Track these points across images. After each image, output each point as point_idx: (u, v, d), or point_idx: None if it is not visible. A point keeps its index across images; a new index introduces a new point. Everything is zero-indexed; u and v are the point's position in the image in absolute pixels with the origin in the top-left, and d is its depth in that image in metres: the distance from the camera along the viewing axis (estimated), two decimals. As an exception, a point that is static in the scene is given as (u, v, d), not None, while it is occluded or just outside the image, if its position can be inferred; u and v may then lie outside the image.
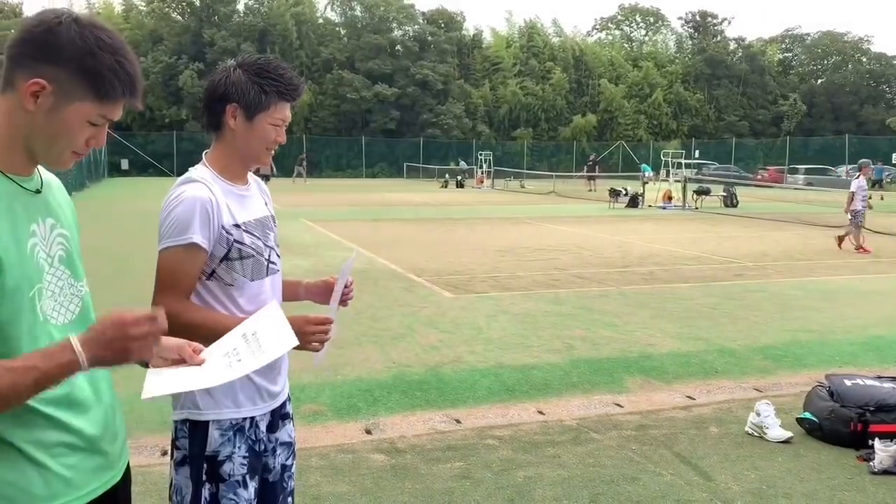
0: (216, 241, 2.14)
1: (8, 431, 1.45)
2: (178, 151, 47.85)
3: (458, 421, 5.05)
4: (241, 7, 56.52)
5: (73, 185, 25.61)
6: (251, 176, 2.38)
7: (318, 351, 2.19)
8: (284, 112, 2.21)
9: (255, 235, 2.23)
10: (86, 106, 1.48)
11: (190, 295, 2.14)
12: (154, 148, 49.24)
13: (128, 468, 1.75)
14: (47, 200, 1.59)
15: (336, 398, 5.42)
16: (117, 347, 1.42)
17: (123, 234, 15.05)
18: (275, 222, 2.39)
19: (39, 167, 1.60)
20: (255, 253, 2.21)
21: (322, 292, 2.43)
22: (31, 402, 1.43)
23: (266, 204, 2.38)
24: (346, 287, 2.37)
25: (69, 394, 1.52)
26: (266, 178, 41.91)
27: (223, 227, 2.14)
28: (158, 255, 2.12)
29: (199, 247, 2.09)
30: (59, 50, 1.44)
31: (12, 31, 1.50)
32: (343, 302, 2.37)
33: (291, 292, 2.46)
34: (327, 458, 4.39)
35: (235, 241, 2.17)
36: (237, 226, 2.18)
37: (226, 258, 2.16)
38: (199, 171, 2.21)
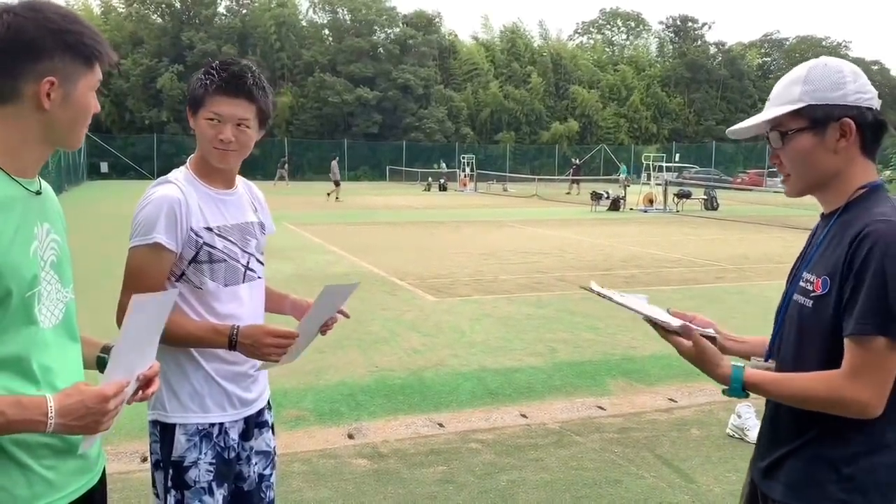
0: (184, 242, 2.11)
1: None
2: (159, 154, 47.45)
3: (440, 425, 5.04)
4: (221, 9, 56.24)
5: (53, 188, 25.31)
6: (243, 182, 2.35)
7: (275, 363, 2.15)
8: (219, 107, 2.09)
9: (230, 240, 2.19)
10: (87, 78, 1.53)
11: None
12: (134, 150, 48.82)
13: (104, 471, 1.75)
14: (44, 204, 1.60)
15: (318, 403, 5.39)
16: (90, 422, 1.44)
17: (102, 237, 14.87)
18: (263, 230, 2.34)
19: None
20: (227, 258, 2.17)
21: (306, 309, 2.34)
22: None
23: (255, 211, 2.34)
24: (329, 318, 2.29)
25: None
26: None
27: (192, 229, 2.11)
28: (127, 253, 2.12)
29: (164, 247, 2.07)
30: (37, 42, 1.44)
31: None
32: (322, 331, 2.29)
33: (277, 304, 2.42)
34: (309, 463, 4.36)
35: (205, 243, 2.13)
36: (209, 229, 2.15)
37: (194, 260, 2.13)
38: (176, 172, 2.20)
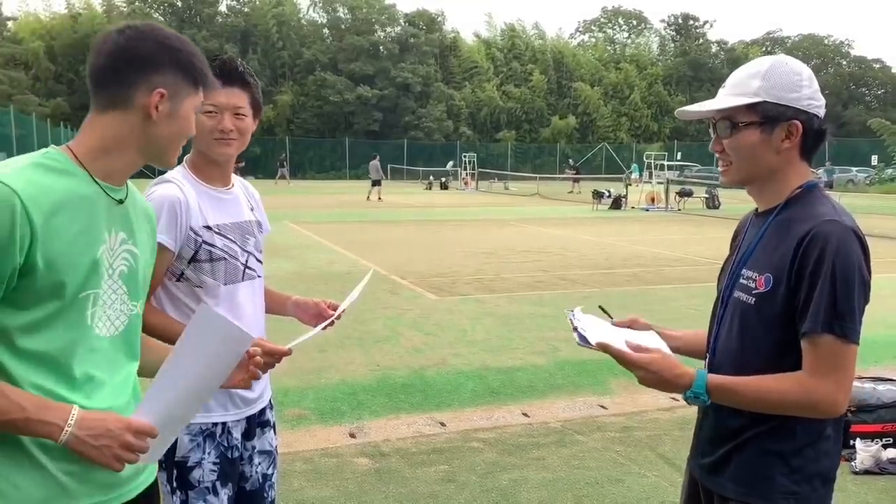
0: (184, 242, 2.10)
1: None
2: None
3: (442, 424, 5.04)
4: (223, 8, 56.25)
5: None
6: (238, 180, 2.34)
7: (257, 378, 2.09)
8: (215, 98, 2.08)
9: (229, 239, 2.19)
10: (192, 98, 1.61)
11: (151, 294, 2.10)
12: (135, 150, 48.78)
13: (151, 492, 1.69)
14: (127, 214, 1.62)
15: (320, 402, 5.39)
16: (104, 445, 1.41)
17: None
18: (260, 228, 2.34)
19: (128, 181, 1.64)
20: (227, 256, 2.17)
21: (309, 314, 2.33)
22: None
23: (252, 209, 2.34)
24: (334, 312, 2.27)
25: (84, 405, 1.47)
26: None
27: (192, 228, 2.11)
28: None
29: (163, 246, 2.05)
30: (154, 57, 1.54)
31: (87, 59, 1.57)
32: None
33: (279, 305, 2.41)
34: (311, 462, 4.36)
35: (205, 242, 2.13)
36: (208, 227, 2.14)
37: (194, 259, 2.12)
38: (175, 171, 2.18)
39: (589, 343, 1.79)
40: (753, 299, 1.71)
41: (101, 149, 1.54)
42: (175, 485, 2.12)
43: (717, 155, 1.82)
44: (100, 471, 1.48)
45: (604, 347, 1.75)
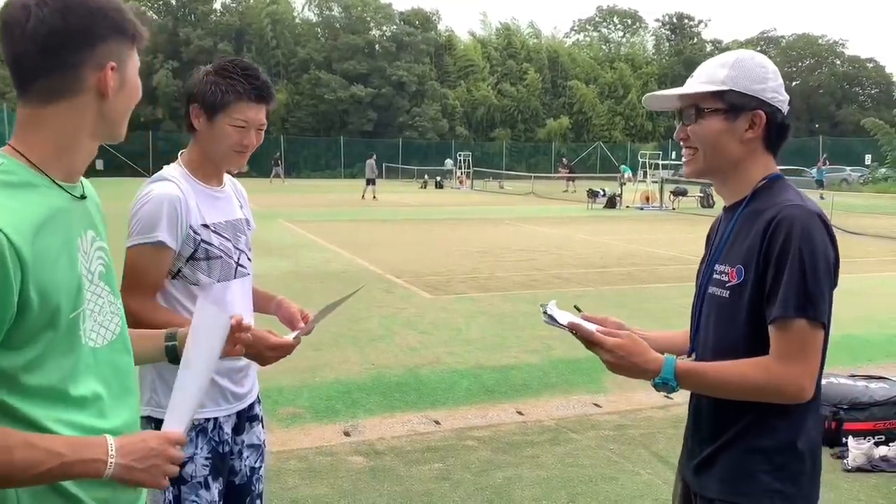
0: (183, 240, 2.12)
1: None
2: (154, 151, 47.27)
3: (437, 422, 5.05)
4: (217, 6, 56.09)
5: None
6: (228, 178, 2.36)
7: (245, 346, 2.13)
8: (246, 113, 2.13)
9: (224, 237, 2.21)
10: (133, 59, 1.41)
11: (155, 293, 2.12)
12: (129, 148, 48.42)
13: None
14: (88, 209, 1.44)
15: (314, 400, 5.39)
16: (152, 465, 1.33)
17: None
18: (249, 226, 2.37)
19: None
20: (223, 254, 2.19)
21: (287, 317, 2.33)
22: (61, 431, 1.31)
23: (241, 207, 2.36)
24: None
25: (100, 427, 1.38)
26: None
27: (191, 227, 2.12)
28: (126, 252, 2.11)
29: (166, 245, 2.07)
30: (94, 27, 1.32)
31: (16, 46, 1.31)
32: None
33: (264, 304, 2.43)
34: (305, 460, 4.36)
35: (203, 241, 2.14)
36: (206, 226, 2.16)
37: (192, 258, 2.14)
38: (171, 169, 2.19)
39: (556, 321, 1.76)
40: (727, 292, 1.72)
41: (58, 148, 1.35)
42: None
43: (681, 144, 1.83)
44: (128, 492, 1.40)
45: (574, 327, 1.73)
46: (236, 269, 2.25)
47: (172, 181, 2.14)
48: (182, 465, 2.10)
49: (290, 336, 2.12)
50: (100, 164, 46.15)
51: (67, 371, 1.33)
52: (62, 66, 1.31)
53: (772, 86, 1.73)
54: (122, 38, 1.36)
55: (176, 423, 1.44)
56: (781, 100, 1.74)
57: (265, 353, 2.08)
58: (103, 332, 1.42)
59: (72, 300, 1.32)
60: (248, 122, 2.14)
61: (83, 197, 1.43)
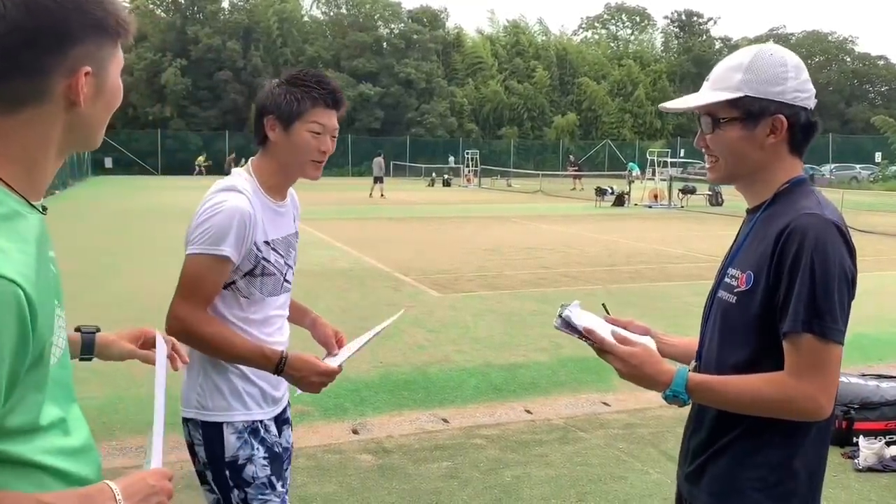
0: (245, 256, 2.10)
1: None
2: (163, 149, 47.43)
3: (445, 420, 5.04)
4: (225, 4, 56.19)
5: (57, 184, 25.37)
6: (290, 191, 2.35)
7: (314, 393, 2.23)
8: (322, 118, 2.15)
9: (279, 253, 2.22)
10: (116, 59, 1.23)
11: (207, 305, 2.09)
12: (138, 146, 48.79)
13: None
14: (44, 221, 1.27)
15: (323, 398, 5.37)
16: (156, 503, 1.30)
17: (109, 232, 14.93)
18: (297, 237, 2.37)
19: None
20: (277, 271, 2.20)
21: (322, 339, 2.40)
22: (44, 460, 1.22)
23: (294, 220, 2.36)
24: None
25: (66, 445, 1.29)
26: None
27: (255, 244, 2.11)
28: (185, 258, 2.09)
29: (229, 259, 2.06)
30: (63, 25, 1.12)
31: None
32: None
33: (299, 317, 2.44)
34: (314, 458, 4.37)
35: (263, 258, 2.14)
36: (267, 242, 2.16)
37: (250, 273, 2.13)
38: (242, 180, 2.16)
39: (571, 327, 1.71)
40: (735, 297, 1.65)
41: (27, 163, 1.17)
42: (231, 484, 2.13)
43: (703, 151, 1.74)
44: None
45: (589, 332, 1.69)
46: (283, 283, 2.25)
47: (245, 195, 2.10)
48: (241, 468, 2.13)
49: (332, 361, 2.14)
50: (108, 162, 46.48)
51: (41, 403, 1.22)
52: (25, 71, 1.12)
53: (792, 85, 1.61)
54: (102, 37, 1.18)
55: (157, 461, 1.43)
56: (805, 97, 1.63)
57: (312, 377, 2.11)
58: (58, 351, 1.25)
59: (50, 329, 1.18)
60: (324, 127, 2.16)
61: (45, 209, 1.25)
